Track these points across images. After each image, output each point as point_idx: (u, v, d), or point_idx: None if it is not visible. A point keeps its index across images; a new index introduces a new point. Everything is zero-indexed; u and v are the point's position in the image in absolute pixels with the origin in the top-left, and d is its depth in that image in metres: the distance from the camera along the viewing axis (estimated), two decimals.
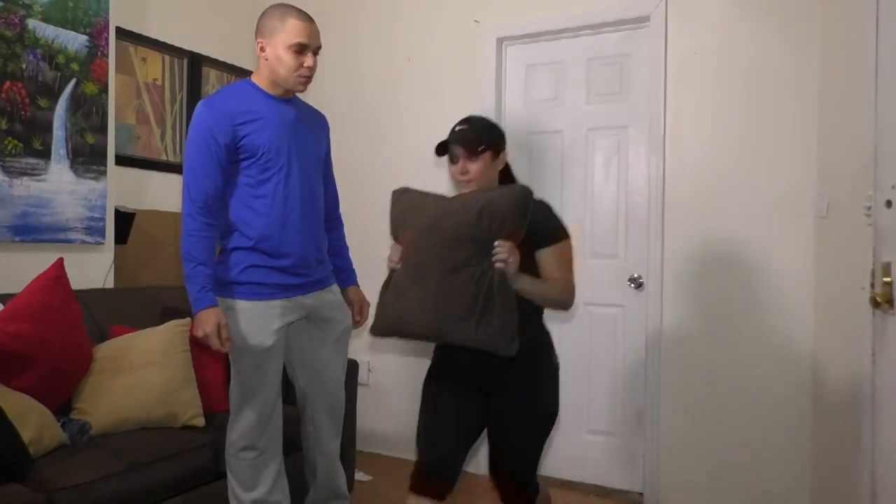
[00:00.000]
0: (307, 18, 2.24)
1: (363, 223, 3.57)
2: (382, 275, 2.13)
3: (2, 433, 1.94)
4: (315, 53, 2.27)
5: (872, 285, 2.39)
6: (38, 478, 2.00)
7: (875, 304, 2.37)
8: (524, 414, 2.11)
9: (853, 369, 2.57)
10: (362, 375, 3.20)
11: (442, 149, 2.16)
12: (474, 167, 2.09)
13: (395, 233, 2.14)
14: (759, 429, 3.04)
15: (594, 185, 3.44)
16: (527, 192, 2.01)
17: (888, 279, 2.32)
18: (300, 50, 2.21)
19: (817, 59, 2.91)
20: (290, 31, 2.19)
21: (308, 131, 2.38)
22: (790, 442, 2.98)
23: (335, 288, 2.49)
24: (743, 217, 3.07)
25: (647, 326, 3.25)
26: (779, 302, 3.00)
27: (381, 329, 2.08)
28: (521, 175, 3.69)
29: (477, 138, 2.10)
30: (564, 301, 2.12)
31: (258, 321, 2.24)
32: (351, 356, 3.15)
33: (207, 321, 2.12)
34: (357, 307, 2.58)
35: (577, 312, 3.41)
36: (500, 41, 3.58)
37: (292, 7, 2.24)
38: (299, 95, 2.41)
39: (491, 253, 1.93)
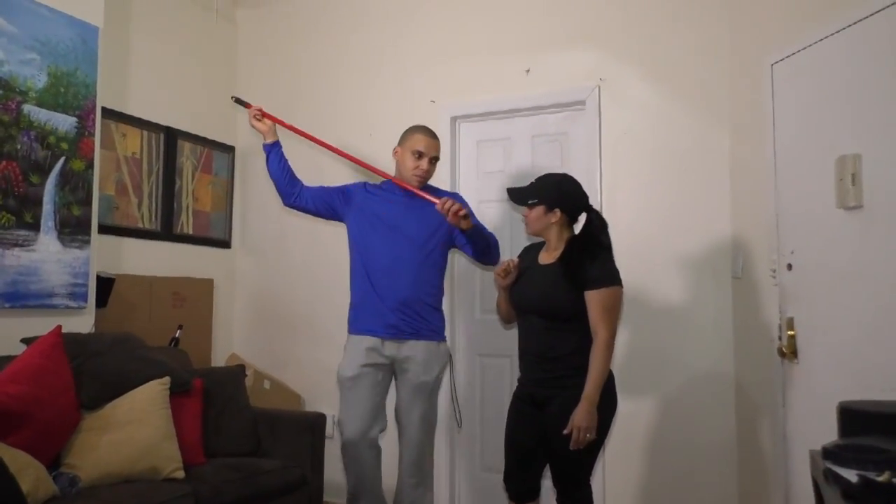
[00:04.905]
0: (430, 134, 3.08)
1: (325, 282, 3.86)
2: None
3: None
4: (431, 162, 3.06)
5: (780, 338, 2.73)
6: None
7: (782, 354, 2.72)
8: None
9: (769, 414, 2.87)
10: (328, 428, 3.39)
11: None
12: (529, 216, 2.66)
13: None
14: (693, 464, 3.31)
15: None
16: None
17: (791, 332, 2.68)
18: (419, 156, 3.02)
19: (728, 141, 3.32)
20: (413, 141, 3.06)
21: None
22: (720, 476, 3.25)
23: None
24: (670, 276, 3.40)
25: None
26: (704, 352, 3.32)
27: None
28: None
29: (525, 194, 2.66)
30: (608, 357, 2.48)
31: None
32: (319, 410, 3.38)
33: None
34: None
35: None
36: (453, 119, 3.94)
37: (421, 126, 3.13)
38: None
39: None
